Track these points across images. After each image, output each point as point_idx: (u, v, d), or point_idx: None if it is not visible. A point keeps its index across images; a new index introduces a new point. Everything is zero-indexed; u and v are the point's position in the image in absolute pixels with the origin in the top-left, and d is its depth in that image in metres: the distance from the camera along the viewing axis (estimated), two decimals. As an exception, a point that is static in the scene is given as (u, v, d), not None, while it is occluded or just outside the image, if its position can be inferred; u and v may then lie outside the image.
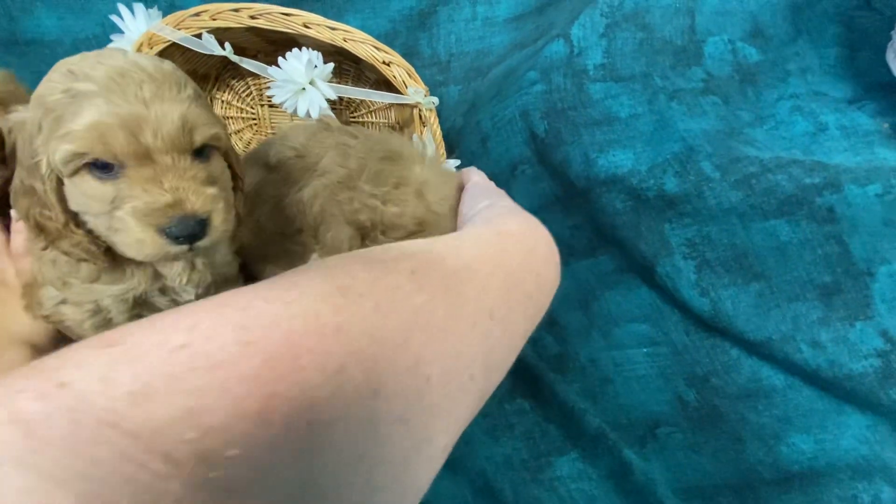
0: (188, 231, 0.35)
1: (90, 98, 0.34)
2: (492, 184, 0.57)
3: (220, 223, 0.38)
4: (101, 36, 0.80)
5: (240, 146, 0.92)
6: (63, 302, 0.47)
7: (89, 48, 0.82)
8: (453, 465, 0.53)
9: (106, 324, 0.48)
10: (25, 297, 0.48)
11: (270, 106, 0.91)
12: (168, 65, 0.38)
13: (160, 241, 0.35)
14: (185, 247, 0.36)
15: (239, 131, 0.93)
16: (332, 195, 0.55)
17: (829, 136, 0.59)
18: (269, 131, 0.93)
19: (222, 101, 0.90)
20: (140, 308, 0.49)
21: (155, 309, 0.49)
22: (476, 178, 0.58)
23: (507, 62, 0.87)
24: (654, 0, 0.72)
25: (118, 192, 0.35)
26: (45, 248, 0.42)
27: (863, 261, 0.53)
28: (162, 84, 0.35)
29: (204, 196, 0.36)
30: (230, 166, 0.43)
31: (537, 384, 0.62)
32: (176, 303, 0.49)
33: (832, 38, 0.67)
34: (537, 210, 0.80)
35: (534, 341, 0.69)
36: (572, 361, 0.66)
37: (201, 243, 0.37)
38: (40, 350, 0.45)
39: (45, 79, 0.37)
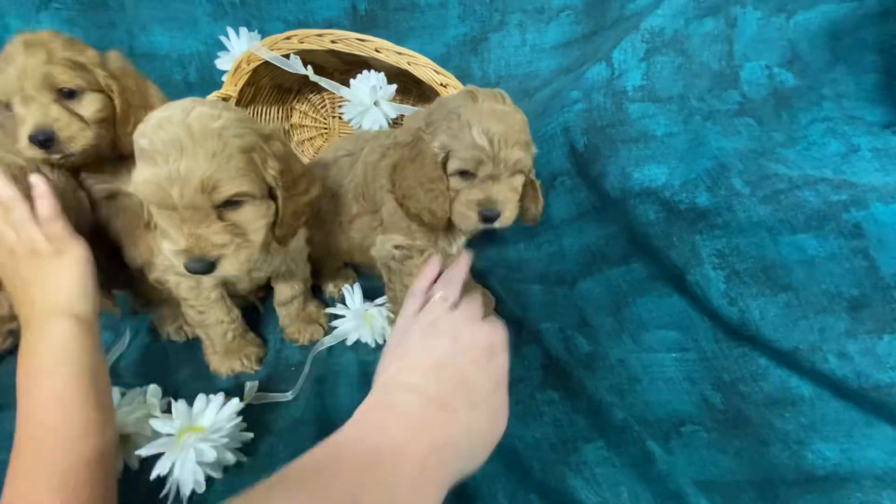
0: (200, 269, 0.49)
1: (147, 157, 0.46)
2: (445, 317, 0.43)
3: (228, 264, 0.50)
4: (203, 53, 0.94)
5: (310, 152, 1.04)
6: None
7: (192, 62, 0.97)
8: (487, 439, 0.59)
9: (197, 287, 0.59)
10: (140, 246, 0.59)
11: (340, 118, 1.02)
12: (219, 121, 0.48)
13: (182, 270, 0.49)
14: (201, 275, 0.50)
15: (311, 139, 1.04)
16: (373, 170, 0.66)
17: (860, 157, 0.62)
18: (337, 140, 1.04)
19: (300, 112, 1.02)
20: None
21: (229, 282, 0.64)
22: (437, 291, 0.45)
23: (553, 85, 0.95)
24: (694, 28, 0.78)
25: (162, 223, 0.49)
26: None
27: (890, 275, 0.54)
28: (199, 147, 0.46)
29: (210, 245, 0.48)
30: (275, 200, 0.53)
31: (567, 378, 0.66)
32: (249, 275, 0.64)
33: (870, 65, 0.69)
34: (575, 219, 0.86)
35: (566, 340, 0.73)
36: (602, 360, 0.70)
37: (215, 275, 0.50)
38: (83, 321, 0.49)
39: (143, 122, 0.49)
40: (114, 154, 0.62)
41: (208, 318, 0.63)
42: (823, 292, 0.58)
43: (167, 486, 0.50)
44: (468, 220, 0.61)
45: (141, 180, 0.46)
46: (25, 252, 0.50)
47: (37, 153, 0.55)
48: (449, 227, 0.64)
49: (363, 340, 0.71)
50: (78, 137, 0.56)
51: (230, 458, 0.53)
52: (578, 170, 0.77)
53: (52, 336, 0.47)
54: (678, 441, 0.60)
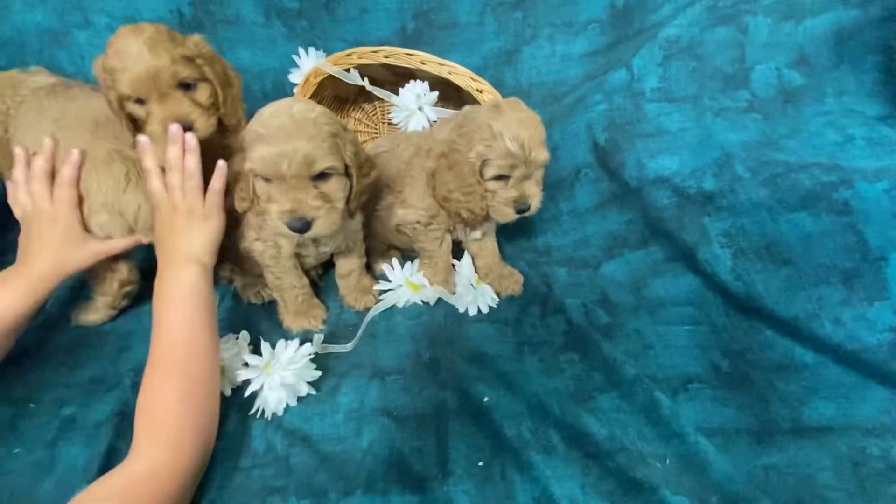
0: (297, 227, 0.63)
1: (262, 139, 0.61)
2: None
3: (321, 224, 0.64)
4: (278, 68, 1.11)
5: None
6: (257, 239, 0.72)
7: (269, 76, 1.14)
8: (512, 386, 0.68)
9: (277, 255, 0.73)
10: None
11: (389, 124, 1.16)
12: (314, 113, 0.63)
13: (284, 229, 0.63)
14: (298, 234, 0.64)
15: (364, 142, 1.19)
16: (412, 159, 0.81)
17: (854, 145, 0.68)
18: (384, 143, 1.19)
19: (355, 119, 1.17)
20: (299, 248, 0.74)
21: (307, 250, 0.77)
22: None
23: (579, 90, 1.05)
24: (708, 35, 0.86)
25: (270, 192, 0.64)
26: (244, 211, 0.70)
27: (877, 248, 0.60)
28: (301, 131, 0.60)
29: (309, 207, 0.62)
30: (349, 178, 0.67)
31: (586, 343, 0.74)
32: (318, 249, 0.77)
33: (872, 64, 0.75)
34: (597, 207, 0.95)
35: (587, 313, 0.82)
36: (619, 330, 0.78)
37: (308, 234, 0.64)
38: (208, 270, 0.65)
39: (255, 116, 0.64)
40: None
41: (284, 282, 0.77)
42: (820, 265, 0.65)
43: (256, 405, 0.64)
44: (506, 215, 0.74)
45: (258, 157, 0.60)
46: (184, 211, 0.66)
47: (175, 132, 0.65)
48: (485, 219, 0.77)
49: (409, 304, 0.84)
50: (206, 125, 0.68)
51: (303, 388, 0.66)
52: (600, 162, 0.87)
53: (187, 275, 0.61)
54: (685, 395, 0.67)
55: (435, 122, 1.00)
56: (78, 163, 0.69)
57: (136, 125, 0.70)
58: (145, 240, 0.74)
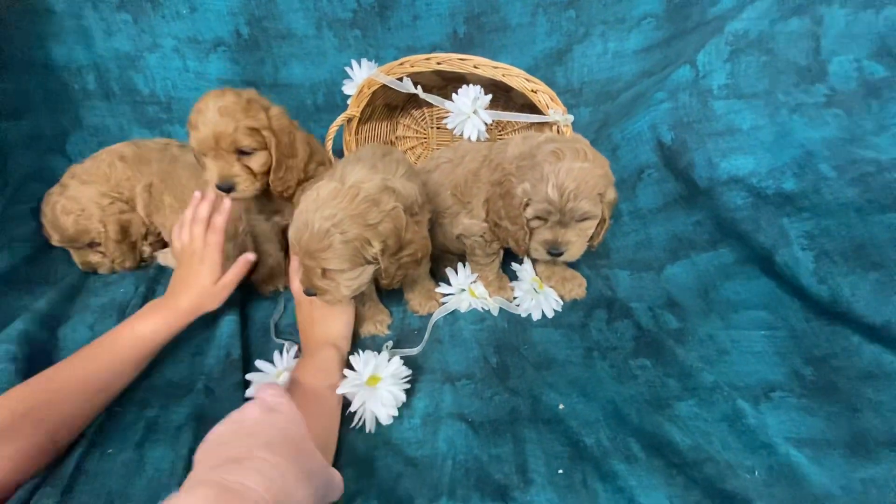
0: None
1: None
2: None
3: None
4: (329, 81, 1.13)
5: (412, 159, 1.20)
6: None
7: (320, 89, 1.16)
8: (586, 393, 0.67)
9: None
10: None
11: (438, 128, 1.17)
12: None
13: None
14: None
15: (412, 147, 1.20)
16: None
17: (953, 140, 0.64)
18: (434, 147, 1.19)
19: (404, 125, 1.18)
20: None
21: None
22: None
23: (636, 88, 1.02)
24: (780, 28, 0.83)
25: None
26: None
27: None
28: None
29: None
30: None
31: (658, 348, 0.73)
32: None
33: (967, 51, 0.71)
34: (661, 208, 0.93)
35: (655, 318, 0.80)
36: (691, 335, 0.76)
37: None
38: (340, 350, 0.71)
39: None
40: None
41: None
42: (917, 268, 0.62)
43: (358, 417, 0.64)
44: (539, 254, 0.76)
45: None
46: (198, 258, 0.75)
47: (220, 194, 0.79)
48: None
49: (467, 309, 0.84)
50: (249, 188, 0.79)
51: (403, 397, 0.66)
52: (665, 162, 0.84)
53: (325, 359, 0.68)
54: (768, 404, 0.65)
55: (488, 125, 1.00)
56: (228, 211, 0.78)
57: None
58: (252, 256, 0.81)
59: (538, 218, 0.73)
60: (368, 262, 0.67)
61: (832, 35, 0.80)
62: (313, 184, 0.68)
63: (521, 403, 0.67)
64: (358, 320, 0.81)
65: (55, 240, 0.94)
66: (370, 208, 0.63)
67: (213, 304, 0.75)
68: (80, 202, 0.92)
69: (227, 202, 0.78)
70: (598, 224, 0.74)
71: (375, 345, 0.79)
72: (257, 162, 0.80)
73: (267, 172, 0.81)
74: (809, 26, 0.81)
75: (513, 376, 0.72)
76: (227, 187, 0.78)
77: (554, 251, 0.73)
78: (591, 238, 0.75)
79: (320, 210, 0.62)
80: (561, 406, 0.65)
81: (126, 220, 0.96)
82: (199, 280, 0.74)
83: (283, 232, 0.93)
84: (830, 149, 0.68)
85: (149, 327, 0.69)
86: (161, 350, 0.72)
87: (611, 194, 0.72)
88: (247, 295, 0.89)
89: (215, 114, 0.74)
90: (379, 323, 0.81)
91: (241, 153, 0.78)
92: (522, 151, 0.75)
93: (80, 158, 1.01)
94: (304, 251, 0.64)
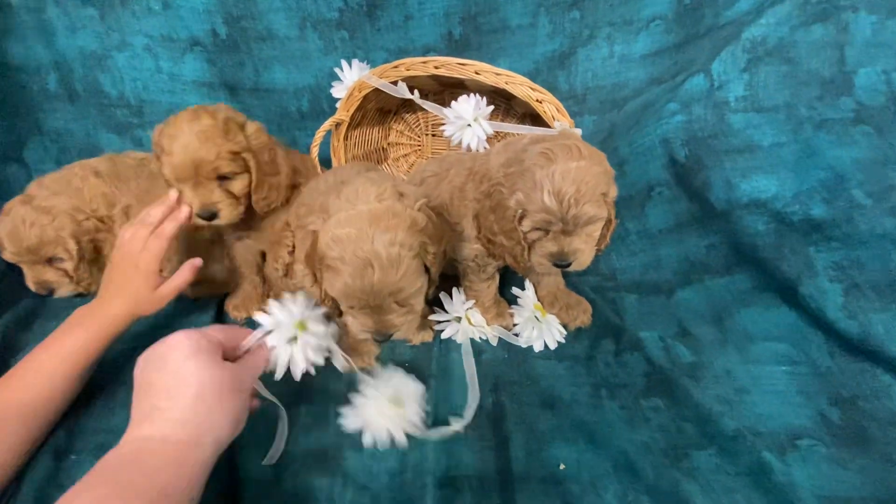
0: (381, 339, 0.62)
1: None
2: None
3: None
4: (314, 85, 1.05)
5: (405, 167, 1.12)
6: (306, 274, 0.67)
7: (305, 94, 1.07)
8: (595, 440, 0.61)
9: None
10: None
11: (433, 135, 1.10)
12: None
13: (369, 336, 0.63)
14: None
15: (406, 155, 1.13)
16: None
17: None
18: (429, 155, 1.11)
19: (397, 131, 1.11)
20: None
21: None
22: None
23: (644, 96, 0.96)
24: (801, 35, 0.76)
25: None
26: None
27: None
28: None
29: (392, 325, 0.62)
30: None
31: (671, 386, 0.67)
32: None
33: None
34: (672, 229, 0.87)
35: (666, 349, 0.74)
36: (706, 370, 0.70)
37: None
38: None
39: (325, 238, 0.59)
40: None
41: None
42: (959, 307, 0.56)
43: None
44: (544, 267, 0.66)
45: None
46: (132, 263, 0.68)
47: (201, 222, 0.73)
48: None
49: (462, 339, 0.77)
50: (233, 213, 0.73)
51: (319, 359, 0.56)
52: (678, 180, 0.78)
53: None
54: (795, 454, 0.59)
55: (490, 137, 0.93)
56: (182, 220, 0.70)
57: None
58: (198, 262, 0.72)
59: (537, 229, 0.64)
60: (425, 272, 0.62)
61: (858, 44, 0.74)
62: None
63: (514, 457, 0.59)
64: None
65: (8, 253, 0.85)
66: (411, 215, 0.59)
67: (149, 310, 0.68)
68: (52, 213, 0.83)
69: (183, 212, 0.70)
70: (605, 225, 0.65)
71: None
72: (239, 185, 0.74)
73: (248, 194, 0.75)
74: (834, 34, 0.74)
75: (509, 419, 0.64)
76: (208, 215, 0.72)
77: (561, 263, 0.65)
78: (598, 241, 0.66)
79: (376, 240, 0.55)
80: (562, 466, 0.58)
81: (101, 240, 0.88)
82: (133, 286, 0.67)
83: (262, 255, 0.86)
84: (864, 172, 0.61)
85: (78, 342, 0.62)
86: (111, 381, 0.65)
87: (614, 191, 0.64)
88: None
89: (193, 139, 0.67)
90: (366, 354, 0.74)
91: (222, 178, 0.72)
92: (508, 158, 0.67)
93: (38, 166, 0.93)
94: (376, 293, 0.57)
